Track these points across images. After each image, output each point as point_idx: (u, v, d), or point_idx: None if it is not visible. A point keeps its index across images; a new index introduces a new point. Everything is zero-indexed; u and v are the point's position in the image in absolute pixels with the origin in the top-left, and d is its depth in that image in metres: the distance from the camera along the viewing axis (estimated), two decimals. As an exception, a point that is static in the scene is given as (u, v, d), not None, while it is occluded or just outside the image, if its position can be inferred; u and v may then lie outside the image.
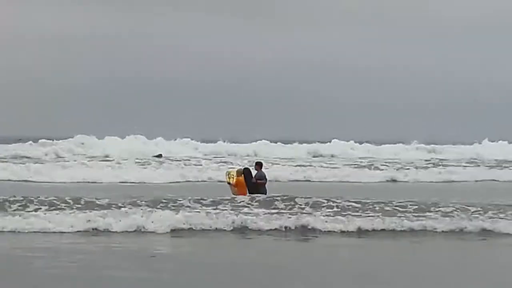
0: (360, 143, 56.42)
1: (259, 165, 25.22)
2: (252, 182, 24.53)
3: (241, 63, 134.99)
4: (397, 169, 43.04)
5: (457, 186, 38.19)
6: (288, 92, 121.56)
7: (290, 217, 21.15)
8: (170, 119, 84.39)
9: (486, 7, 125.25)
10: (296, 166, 43.02)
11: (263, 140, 54.40)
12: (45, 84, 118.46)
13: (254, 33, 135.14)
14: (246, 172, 24.87)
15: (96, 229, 19.85)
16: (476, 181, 40.97)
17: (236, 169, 26.02)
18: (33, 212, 20.80)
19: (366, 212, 21.97)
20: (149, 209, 21.23)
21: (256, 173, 24.87)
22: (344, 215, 21.43)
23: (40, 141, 47.34)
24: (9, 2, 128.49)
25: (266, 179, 24.90)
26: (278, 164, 43.33)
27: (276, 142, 54.37)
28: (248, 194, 23.90)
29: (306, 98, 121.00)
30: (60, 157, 44.55)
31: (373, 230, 20.72)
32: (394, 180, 40.16)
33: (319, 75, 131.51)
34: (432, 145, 56.51)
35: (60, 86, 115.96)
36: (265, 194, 24.01)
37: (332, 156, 51.30)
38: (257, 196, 23.30)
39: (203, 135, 53.62)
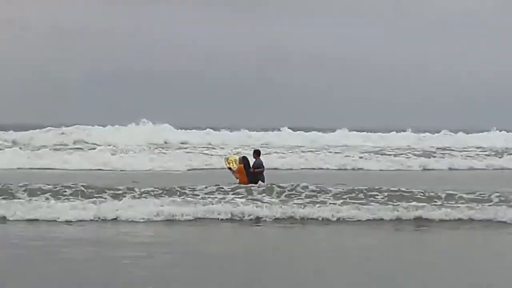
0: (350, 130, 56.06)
1: (257, 153, 25.23)
2: (250, 171, 24.54)
3: (237, 57, 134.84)
4: (406, 157, 42.95)
5: (470, 173, 38.06)
6: (285, 86, 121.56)
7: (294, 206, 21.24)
8: (169, 112, 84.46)
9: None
10: (303, 153, 42.99)
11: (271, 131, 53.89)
12: (44, 78, 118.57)
13: (251, 27, 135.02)
14: (244, 161, 24.90)
15: (104, 219, 20.00)
16: (494, 168, 40.92)
17: (236, 156, 26.04)
18: (47, 201, 20.91)
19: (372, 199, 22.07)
20: (166, 197, 21.51)
21: (254, 162, 24.92)
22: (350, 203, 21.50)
23: (46, 128, 47.17)
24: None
25: (263, 167, 24.86)
26: (283, 152, 43.19)
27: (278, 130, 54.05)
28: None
29: (302, 92, 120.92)
30: (65, 144, 44.33)
31: (374, 219, 20.76)
32: (400, 169, 39.83)
33: (316, 70, 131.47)
34: (442, 132, 56.14)
35: (58, 80, 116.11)
36: (263, 182, 24.08)
37: (345, 146, 50.24)
38: (256, 184, 23.46)
39: (203, 125, 53.35)
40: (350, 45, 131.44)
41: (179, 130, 51.04)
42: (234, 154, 27.21)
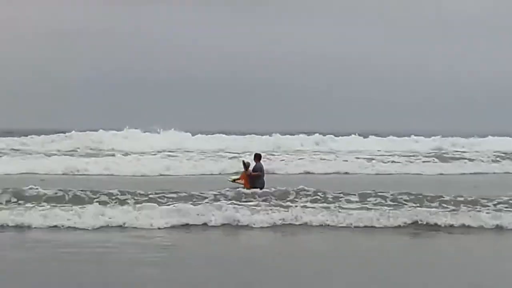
0: (364, 136, 55.57)
1: (257, 157, 25.49)
2: (247, 174, 24.86)
3: (237, 57, 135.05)
4: (414, 161, 43.13)
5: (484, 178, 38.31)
6: (286, 87, 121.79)
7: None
8: (167, 114, 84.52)
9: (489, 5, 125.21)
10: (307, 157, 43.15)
11: (277, 134, 53.72)
12: (44, 78, 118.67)
13: (251, 27, 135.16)
14: (243, 164, 25.27)
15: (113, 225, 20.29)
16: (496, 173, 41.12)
17: (236, 176, 26.34)
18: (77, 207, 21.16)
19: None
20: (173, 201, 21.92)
21: (254, 166, 25.17)
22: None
23: (68, 134, 47.31)
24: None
25: (262, 172, 25.09)
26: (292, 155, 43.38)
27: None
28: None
29: (303, 93, 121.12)
30: (76, 149, 44.56)
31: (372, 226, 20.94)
32: (412, 173, 39.89)
33: (316, 70, 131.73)
34: (449, 138, 56.04)
35: (58, 80, 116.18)
36: (262, 186, 24.40)
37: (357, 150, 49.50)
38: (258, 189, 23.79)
39: (208, 130, 53.38)
40: (350, 45, 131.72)
41: (193, 135, 50.93)
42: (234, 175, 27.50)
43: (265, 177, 25.24)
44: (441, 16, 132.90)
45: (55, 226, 19.72)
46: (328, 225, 20.71)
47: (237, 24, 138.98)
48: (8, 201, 21.48)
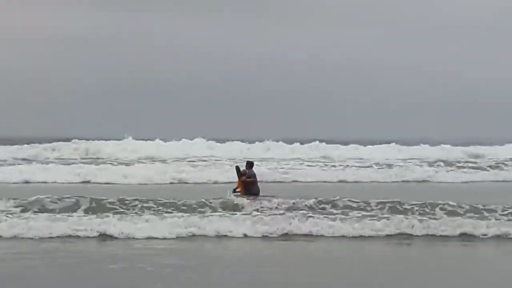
0: (372, 144, 54.40)
1: (249, 164, 25.79)
2: (241, 180, 25.14)
3: (236, 58, 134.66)
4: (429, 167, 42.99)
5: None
6: (286, 88, 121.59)
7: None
8: (167, 120, 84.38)
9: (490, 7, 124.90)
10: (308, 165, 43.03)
11: (279, 141, 53.28)
12: (44, 85, 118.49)
13: (253, 33, 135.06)
14: (236, 170, 25.54)
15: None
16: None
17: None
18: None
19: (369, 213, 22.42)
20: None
21: (247, 173, 25.44)
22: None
23: (68, 142, 47.41)
24: (8, 1, 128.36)
25: (255, 178, 25.42)
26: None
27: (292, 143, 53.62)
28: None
29: (302, 93, 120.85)
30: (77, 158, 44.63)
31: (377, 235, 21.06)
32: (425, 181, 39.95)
33: (316, 70, 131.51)
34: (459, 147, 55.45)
35: (59, 87, 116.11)
36: (258, 192, 24.91)
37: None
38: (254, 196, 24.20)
39: (210, 136, 53.22)
40: (350, 45, 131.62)
41: (192, 141, 50.82)
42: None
43: (263, 185, 25.51)
44: (441, 17, 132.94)
45: (57, 236, 19.89)
46: (330, 235, 20.80)
47: (237, 24, 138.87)
48: (9, 210, 21.72)
